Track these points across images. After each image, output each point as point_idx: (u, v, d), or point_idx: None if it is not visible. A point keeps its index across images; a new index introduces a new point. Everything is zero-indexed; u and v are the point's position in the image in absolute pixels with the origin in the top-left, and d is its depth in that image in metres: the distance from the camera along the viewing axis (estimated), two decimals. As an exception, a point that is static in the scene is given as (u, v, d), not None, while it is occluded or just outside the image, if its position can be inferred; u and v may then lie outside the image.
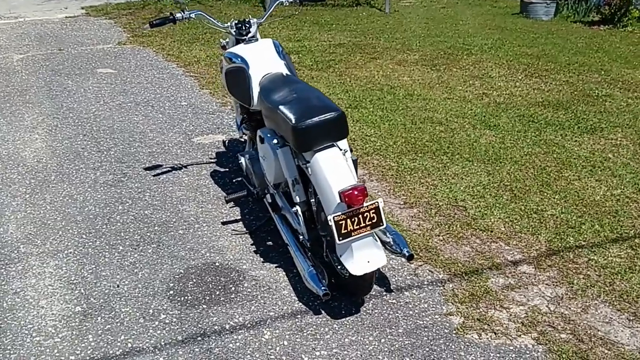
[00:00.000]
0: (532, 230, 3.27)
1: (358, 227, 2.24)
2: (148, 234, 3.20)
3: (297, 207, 2.60)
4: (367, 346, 2.40)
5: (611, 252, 3.08)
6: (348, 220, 2.22)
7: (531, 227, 3.30)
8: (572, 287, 2.79)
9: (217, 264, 2.95)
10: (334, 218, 2.21)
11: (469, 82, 6.10)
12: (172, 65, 6.57)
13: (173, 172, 3.94)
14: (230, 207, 3.49)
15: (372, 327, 2.51)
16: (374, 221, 2.27)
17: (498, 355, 2.36)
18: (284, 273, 2.88)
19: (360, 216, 2.23)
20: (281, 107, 2.49)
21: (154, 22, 3.10)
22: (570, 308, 2.65)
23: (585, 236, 3.22)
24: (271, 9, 3.33)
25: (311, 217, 2.74)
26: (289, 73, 3.02)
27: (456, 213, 3.45)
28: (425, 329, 2.50)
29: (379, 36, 8.17)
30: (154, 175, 3.88)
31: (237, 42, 3.30)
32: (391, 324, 2.53)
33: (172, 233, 3.22)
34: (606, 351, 2.38)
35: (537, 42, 7.98)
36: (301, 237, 2.67)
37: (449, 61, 6.94)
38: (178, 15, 3.14)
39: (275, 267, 2.93)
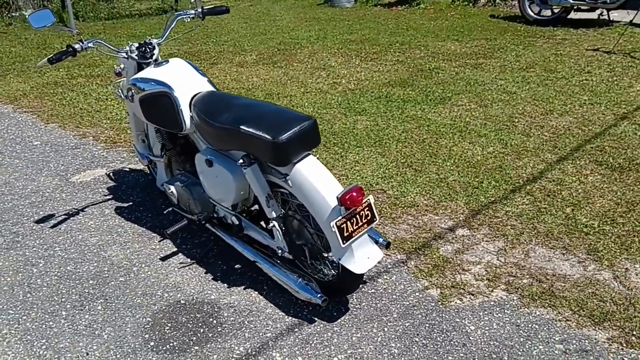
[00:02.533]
0: (449, 197, 3.60)
1: (357, 227, 2.30)
2: (86, 291, 2.89)
3: (275, 222, 2.56)
4: (375, 338, 2.48)
5: (517, 201, 3.52)
6: (348, 223, 2.27)
7: (446, 195, 3.62)
8: (507, 238, 3.16)
9: (182, 301, 2.79)
10: (336, 223, 2.24)
11: (315, 74, 6.36)
12: (-6, 104, 5.81)
13: (71, 219, 3.57)
14: (159, 242, 3.29)
15: (369, 320, 2.59)
16: (369, 218, 2.34)
17: (485, 311, 2.61)
18: (255, 293, 2.82)
19: (357, 216, 2.29)
20: (244, 127, 2.42)
21: (53, 58, 2.78)
22: (515, 256, 3.00)
23: (490, 192, 3.64)
24: (172, 26, 3.18)
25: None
26: (215, 90, 2.92)
27: (379, 197, 3.65)
28: (415, 308, 2.66)
29: (206, 41, 8.07)
30: (52, 227, 3.48)
31: (140, 66, 3.10)
32: (383, 312, 2.64)
33: (112, 283, 2.95)
34: (563, 284, 2.76)
35: (354, 28, 8.54)
36: (279, 251, 2.63)
37: (286, 56, 7.14)
38: (77, 46, 2.86)
39: (244, 289, 2.85)
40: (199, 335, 2.55)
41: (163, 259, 3.11)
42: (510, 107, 5.07)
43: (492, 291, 2.74)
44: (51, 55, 2.82)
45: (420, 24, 8.59)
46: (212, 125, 2.59)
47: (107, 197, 3.81)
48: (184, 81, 2.84)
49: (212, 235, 3.24)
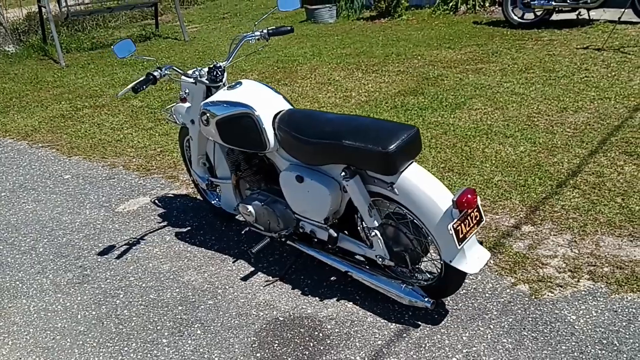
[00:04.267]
0: (503, 197, 3.72)
1: (469, 228, 2.38)
2: (178, 317, 2.89)
3: (376, 231, 2.62)
4: (485, 336, 2.56)
5: (568, 196, 3.66)
6: (462, 225, 2.35)
7: (499, 195, 3.74)
8: (572, 230, 3.28)
9: (280, 318, 2.81)
10: (453, 226, 2.31)
11: (323, 89, 6.45)
12: (6, 140, 5.72)
13: (134, 248, 3.54)
14: (233, 262, 3.31)
15: (471, 319, 2.67)
16: (478, 219, 2.43)
17: (579, 300, 2.72)
18: (350, 303, 2.86)
19: (469, 218, 2.38)
20: (347, 140, 2.48)
21: (136, 87, 2.79)
22: (587, 247, 3.13)
23: (539, 189, 3.77)
24: (238, 48, 3.22)
25: (356, 236, 2.82)
26: (293, 107, 2.98)
27: (435, 202, 3.73)
28: (512, 304, 2.75)
29: (200, 63, 8.08)
30: (117, 258, 3.45)
31: (209, 90, 3.13)
32: (482, 310, 2.72)
33: (202, 307, 2.95)
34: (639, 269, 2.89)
35: (345, 43, 8.68)
36: (379, 260, 2.69)
37: (288, 74, 7.22)
38: (156, 73, 2.88)
39: (337, 300, 2.89)
40: (310, 349, 2.58)
41: (244, 279, 3.13)
42: (525, 108, 5.24)
43: (578, 281, 2.85)
44: (133, 84, 2.83)
45: (409, 34, 8.78)
46: (306, 141, 2.64)
47: (162, 224, 3.80)
48: (264, 101, 2.89)
49: (286, 252, 3.27)
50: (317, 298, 2.91)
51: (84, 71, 8.20)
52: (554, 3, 7.97)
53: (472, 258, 2.42)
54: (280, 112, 2.86)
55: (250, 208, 3.08)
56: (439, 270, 2.66)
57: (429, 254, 2.73)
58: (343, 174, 2.54)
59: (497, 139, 4.62)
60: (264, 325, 2.75)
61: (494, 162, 4.21)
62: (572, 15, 8.38)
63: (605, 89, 5.51)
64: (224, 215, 3.67)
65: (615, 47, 6.85)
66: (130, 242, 3.59)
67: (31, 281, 3.30)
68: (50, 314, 2.99)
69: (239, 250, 3.38)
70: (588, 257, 3.02)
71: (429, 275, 2.74)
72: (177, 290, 3.08)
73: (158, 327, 2.81)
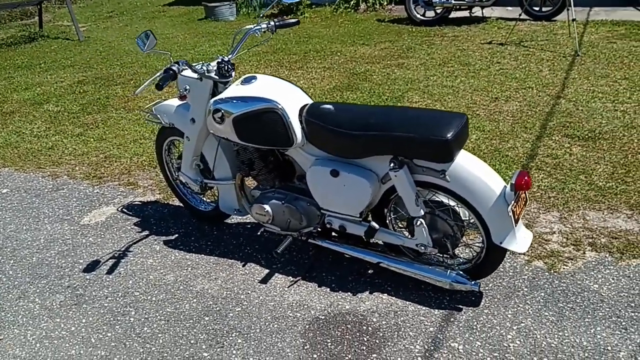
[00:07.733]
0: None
1: (520, 209, 2.49)
2: (210, 327, 2.71)
3: (422, 220, 2.64)
4: (528, 311, 2.68)
5: (537, 177, 3.93)
6: (517, 206, 2.45)
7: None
8: (557, 208, 3.53)
9: (320, 317, 2.74)
10: (512, 209, 2.40)
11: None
12: None
13: (123, 261, 3.26)
14: (243, 266, 3.16)
15: (507, 297, 2.78)
16: (525, 200, 2.54)
17: (593, 270, 2.93)
18: (385, 295, 2.86)
19: (520, 199, 2.48)
20: (398, 131, 2.46)
21: (160, 83, 2.56)
22: (577, 221, 3.38)
23: (509, 173, 4.01)
24: (243, 42, 3.07)
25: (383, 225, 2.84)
26: (313, 101, 2.91)
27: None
28: (536, 279, 2.90)
29: (110, 64, 7.58)
30: (108, 273, 3.15)
31: (215, 86, 2.96)
32: (513, 289, 2.84)
33: (231, 314, 2.79)
34: (631, 237, 3.19)
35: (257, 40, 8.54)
36: (422, 248, 2.71)
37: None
38: (175, 67, 2.67)
39: (370, 294, 2.88)
40: (366, 343, 2.54)
41: (262, 281, 3.01)
42: (461, 99, 5.53)
43: (584, 253, 3.08)
44: (150, 80, 2.60)
45: (318, 32, 8.87)
46: (347, 135, 2.58)
47: (143, 233, 3.53)
48: (286, 95, 2.78)
49: (296, 250, 3.19)
50: (349, 293, 2.86)
51: (-29, 75, 7.33)
52: (453, 1, 8.47)
53: (521, 238, 2.52)
54: (305, 105, 2.78)
55: (267, 208, 2.95)
56: (475, 253, 2.74)
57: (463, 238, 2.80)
58: (392, 164, 2.52)
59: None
60: (308, 326, 2.66)
61: (456, 150, 4.38)
62: (466, 13, 8.96)
63: (523, 79, 5.95)
64: (210, 219, 3.50)
65: (516, 42, 7.42)
66: (115, 255, 3.29)
67: (15, 308, 2.91)
68: (57, 341, 2.66)
69: (244, 254, 3.24)
70: (583, 231, 3.26)
71: (462, 259, 2.81)
72: (195, 300, 2.88)
73: (192, 341, 2.61)
